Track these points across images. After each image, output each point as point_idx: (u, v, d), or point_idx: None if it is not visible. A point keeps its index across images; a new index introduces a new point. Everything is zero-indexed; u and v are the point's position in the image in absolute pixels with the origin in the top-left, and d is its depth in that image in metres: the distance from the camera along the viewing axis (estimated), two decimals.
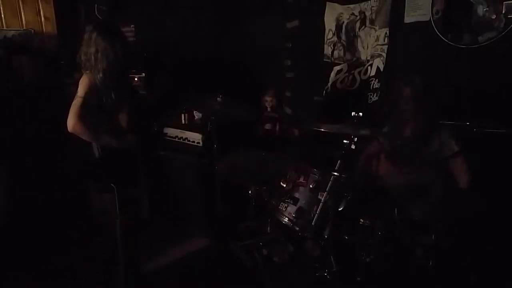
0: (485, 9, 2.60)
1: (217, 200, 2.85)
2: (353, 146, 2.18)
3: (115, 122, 2.32)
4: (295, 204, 2.41)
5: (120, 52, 2.19)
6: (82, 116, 2.17)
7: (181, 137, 3.51)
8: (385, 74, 3.23)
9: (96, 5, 3.74)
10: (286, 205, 2.44)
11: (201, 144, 3.36)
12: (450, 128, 2.46)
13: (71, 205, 3.32)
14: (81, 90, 2.20)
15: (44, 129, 3.25)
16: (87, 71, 2.23)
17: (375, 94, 3.36)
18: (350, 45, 3.58)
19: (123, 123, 2.34)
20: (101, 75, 2.19)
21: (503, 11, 2.52)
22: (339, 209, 2.34)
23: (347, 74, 3.63)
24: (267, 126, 3.58)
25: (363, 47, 3.47)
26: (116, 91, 2.25)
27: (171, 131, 3.58)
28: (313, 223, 2.31)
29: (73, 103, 2.18)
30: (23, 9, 3.33)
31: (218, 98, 2.66)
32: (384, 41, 3.21)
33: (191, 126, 3.57)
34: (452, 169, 2.43)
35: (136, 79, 3.52)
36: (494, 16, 2.56)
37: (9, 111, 3.08)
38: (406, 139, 2.57)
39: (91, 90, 2.20)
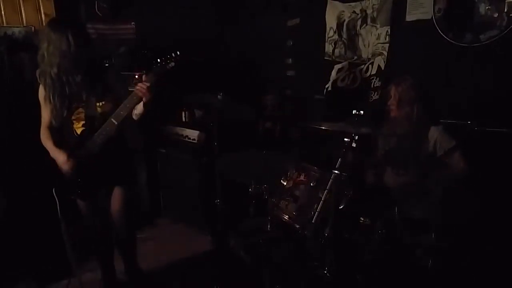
0: (487, 8, 2.59)
1: (217, 198, 2.85)
2: (354, 145, 2.17)
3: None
4: (295, 202, 2.41)
5: (74, 43, 1.99)
6: (51, 136, 2.26)
7: (181, 135, 3.51)
8: (386, 72, 3.22)
9: (96, 2, 3.73)
10: (286, 203, 2.44)
11: (197, 141, 3.35)
12: (443, 125, 2.46)
13: (71, 204, 3.31)
14: (42, 110, 2.22)
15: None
16: (41, 80, 2.13)
17: (376, 93, 3.35)
18: (351, 44, 3.57)
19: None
20: (55, 70, 2.04)
21: (505, 10, 2.51)
22: (340, 208, 2.34)
23: (348, 72, 3.62)
24: (268, 125, 3.57)
25: (364, 46, 3.46)
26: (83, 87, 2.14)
27: (171, 129, 3.58)
28: (313, 221, 2.31)
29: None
30: (23, 5, 3.31)
31: (218, 97, 2.65)
32: (385, 39, 3.20)
33: (192, 124, 3.57)
34: (449, 164, 2.42)
35: (136, 76, 3.51)
36: (496, 15, 2.55)
37: (9, 108, 3.07)
38: (398, 139, 2.57)
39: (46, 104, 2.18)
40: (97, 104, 2.17)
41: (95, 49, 2.18)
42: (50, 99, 2.14)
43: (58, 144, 2.26)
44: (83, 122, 2.22)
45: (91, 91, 2.16)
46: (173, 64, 2.12)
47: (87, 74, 2.12)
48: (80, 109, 2.20)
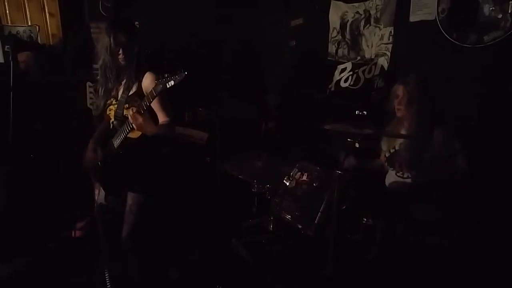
0: (491, 9, 2.58)
1: (219, 198, 2.85)
2: (356, 145, 2.17)
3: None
4: (298, 202, 2.41)
5: (114, 43, 2.08)
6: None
7: (184, 134, 3.51)
8: (390, 73, 3.22)
9: (100, 2, 3.75)
10: (289, 203, 2.44)
11: (200, 141, 3.36)
12: (449, 127, 2.45)
13: (73, 202, 3.32)
14: None
15: (48, 125, 3.26)
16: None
17: (379, 93, 3.35)
18: (355, 44, 3.57)
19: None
20: (100, 62, 2.18)
21: (510, 11, 2.50)
22: (342, 208, 2.34)
23: (351, 73, 3.62)
24: (271, 125, 3.57)
25: (368, 46, 3.46)
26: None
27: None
28: (315, 221, 2.31)
29: None
30: (28, 5, 3.34)
31: (221, 97, 2.66)
32: (389, 40, 3.20)
33: (194, 123, 3.57)
34: (454, 166, 2.41)
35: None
36: (500, 16, 2.54)
37: (12, 107, 3.09)
38: (403, 140, 2.56)
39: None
40: (125, 105, 2.19)
41: (134, 53, 2.15)
42: (98, 91, 2.26)
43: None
44: (112, 119, 2.28)
45: (126, 89, 2.21)
46: (172, 83, 1.87)
47: (124, 73, 2.20)
48: (111, 107, 2.27)
